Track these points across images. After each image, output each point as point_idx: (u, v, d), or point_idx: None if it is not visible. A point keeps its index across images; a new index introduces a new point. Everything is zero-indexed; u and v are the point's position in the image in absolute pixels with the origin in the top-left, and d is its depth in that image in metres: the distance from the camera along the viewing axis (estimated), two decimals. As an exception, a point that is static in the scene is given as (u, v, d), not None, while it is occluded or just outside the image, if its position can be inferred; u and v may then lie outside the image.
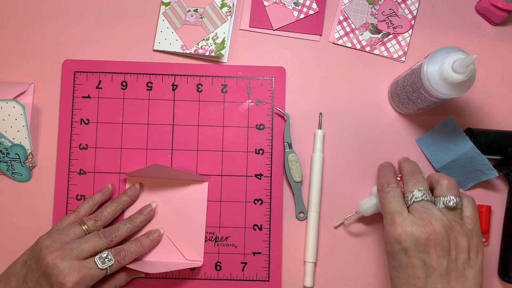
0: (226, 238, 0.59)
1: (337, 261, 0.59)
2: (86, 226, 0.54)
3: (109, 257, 0.52)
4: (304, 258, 0.59)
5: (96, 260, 0.51)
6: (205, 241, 0.59)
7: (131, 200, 0.58)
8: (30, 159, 0.60)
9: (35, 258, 0.51)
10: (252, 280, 0.59)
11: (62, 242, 0.52)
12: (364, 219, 0.60)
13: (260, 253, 0.59)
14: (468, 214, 0.48)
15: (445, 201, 0.48)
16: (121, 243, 0.56)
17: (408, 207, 0.49)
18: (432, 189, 0.51)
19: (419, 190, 0.49)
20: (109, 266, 0.52)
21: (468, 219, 0.48)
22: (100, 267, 0.51)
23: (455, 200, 0.48)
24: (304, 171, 0.60)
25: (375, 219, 0.60)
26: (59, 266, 0.49)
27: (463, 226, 0.47)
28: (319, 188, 0.59)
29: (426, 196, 0.49)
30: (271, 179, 0.60)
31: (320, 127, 0.61)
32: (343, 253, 0.60)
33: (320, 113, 0.61)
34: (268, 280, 0.59)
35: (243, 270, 0.59)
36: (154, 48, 0.62)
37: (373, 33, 0.63)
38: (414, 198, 0.49)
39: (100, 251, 0.53)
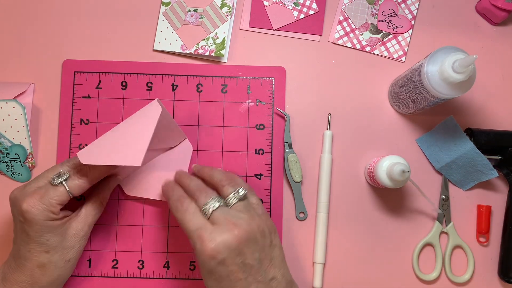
0: (226, 238, 0.59)
1: (343, 262, 0.59)
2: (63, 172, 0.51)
3: (64, 173, 0.50)
4: (313, 259, 0.59)
5: (50, 180, 0.50)
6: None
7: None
8: (30, 159, 0.60)
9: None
10: (252, 280, 0.59)
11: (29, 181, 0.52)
12: (365, 219, 0.60)
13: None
14: (254, 201, 0.51)
15: (236, 195, 0.49)
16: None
17: (209, 219, 0.47)
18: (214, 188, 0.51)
19: (213, 199, 0.48)
20: (64, 180, 0.50)
21: (256, 205, 0.50)
22: (53, 183, 0.49)
23: (242, 189, 0.49)
24: (304, 171, 0.60)
25: (376, 219, 0.60)
26: (16, 196, 0.49)
27: (258, 213, 0.49)
28: (327, 189, 0.59)
29: (221, 202, 0.48)
30: (271, 179, 0.60)
31: (328, 128, 0.61)
32: (348, 254, 0.60)
33: (329, 114, 0.61)
34: (268, 280, 0.59)
35: (243, 270, 0.59)
36: (154, 48, 0.62)
37: (373, 33, 0.63)
38: (212, 208, 0.47)
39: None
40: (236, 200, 0.49)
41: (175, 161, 0.59)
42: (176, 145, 0.59)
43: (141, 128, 0.50)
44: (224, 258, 0.45)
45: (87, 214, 0.53)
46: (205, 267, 0.46)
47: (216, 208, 0.47)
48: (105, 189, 0.56)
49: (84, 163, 0.48)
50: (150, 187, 0.58)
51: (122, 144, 0.50)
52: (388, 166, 0.54)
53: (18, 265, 0.50)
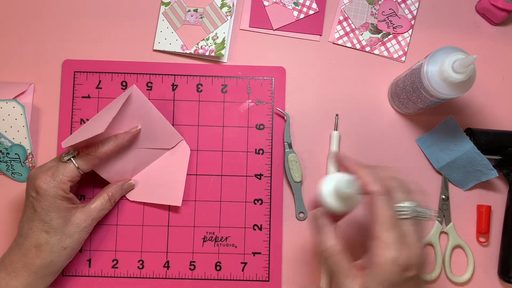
0: (226, 238, 0.59)
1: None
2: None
3: (72, 151, 0.52)
4: None
5: (61, 158, 0.52)
6: (204, 241, 0.59)
7: (130, 138, 0.55)
8: (30, 159, 0.60)
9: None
10: (252, 280, 0.59)
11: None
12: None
13: (260, 253, 0.59)
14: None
15: (411, 211, 0.41)
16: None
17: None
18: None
19: (408, 204, 0.41)
20: (73, 157, 0.52)
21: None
22: (62, 160, 0.52)
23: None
24: (304, 171, 0.60)
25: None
26: (32, 173, 0.52)
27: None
28: None
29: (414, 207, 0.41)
30: (271, 179, 0.60)
31: (336, 129, 0.61)
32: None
33: (336, 115, 0.61)
34: (268, 280, 0.59)
35: (243, 270, 0.59)
36: (154, 48, 0.62)
37: (373, 33, 0.63)
38: (410, 213, 0.41)
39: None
40: (415, 215, 0.41)
41: (173, 164, 0.59)
42: (173, 147, 0.59)
43: (113, 107, 0.54)
44: (415, 274, 0.39)
45: (93, 208, 0.54)
46: (389, 278, 0.39)
47: (410, 217, 0.41)
48: (117, 189, 0.57)
49: (64, 146, 0.52)
50: (151, 191, 0.59)
51: (96, 121, 0.55)
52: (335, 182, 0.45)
53: (17, 244, 0.52)
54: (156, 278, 0.59)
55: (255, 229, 0.59)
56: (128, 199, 0.59)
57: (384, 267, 0.39)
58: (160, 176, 0.59)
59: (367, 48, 0.63)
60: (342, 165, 0.46)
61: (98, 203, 0.55)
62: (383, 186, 0.41)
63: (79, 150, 0.52)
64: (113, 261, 0.59)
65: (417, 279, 0.40)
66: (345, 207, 0.45)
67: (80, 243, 0.54)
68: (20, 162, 0.59)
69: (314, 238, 0.44)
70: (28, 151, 0.60)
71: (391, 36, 0.63)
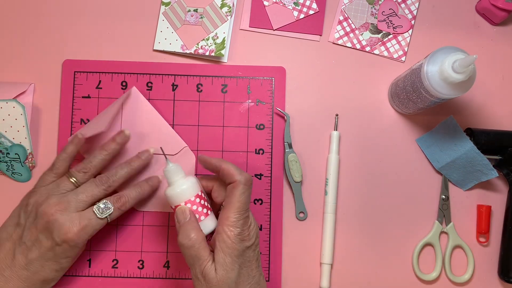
0: (226, 238, 0.59)
1: (344, 261, 0.59)
2: (74, 179, 0.53)
3: (108, 205, 0.52)
4: (320, 259, 0.59)
5: (95, 210, 0.51)
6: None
7: (120, 147, 0.56)
8: (30, 159, 0.60)
9: (31, 216, 0.51)
10: (252, 280, 0.59)
11: (57, 197, 0.51)
12: (364, 219, 0.60)
13: (260, 253, 0.59)
14: None
15: None
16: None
17: None
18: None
19: None
20: (109, 215, 0.52)
21: None
22: (100, 216, 0.51)
23: None
24: (304, 171, 0.60)
25: (375, 219, 0.60)
26: (59, 220, 0.50)
27: None
28: (335, 190, 0.59)
29: None
30: (271, 179, 0.60)
31: (336, 129, 0.61)
32: (347, 254, 0.60)
33: (336, 115, 0.61)
34: (268, 280, 0.59)
35: (243, 270, 0.59)
36: (154, 48, 0.62)
37: (373, 33, 0.63)
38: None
39: (99, 199, 0.52)
40: None
41: None
42: (176, 153, 0.59)
43: (115, 106, 0.58)
44: (253, 243, 0.49)
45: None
46: (237, 249, 0.47)
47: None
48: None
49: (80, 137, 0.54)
50: (158, 201, 0.59)
51: (98, 121, 0.58)
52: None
53: (18, 276, 0.51)
54: (156, 278, 0.59)
55: (255, 229, 0.59)
56: (137, 210, 0.59)
57: (230, 240, 0.47)
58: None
59: (367, 48, 0.63)
60: (207, 163, 0.52)
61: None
62: (245, 178, 0.49)
63: (111, 202, 0.52)
64: (113, 261, 0.59)
65: (254, 246, 0.49)
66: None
67: (75, 259, 0.55)
68: (20, 162, 0.59)
69: (177, 232, 0.50)
70: (28, 151, 0.60)
71: (391, 36, 0.63)
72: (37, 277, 0.51)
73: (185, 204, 0.49)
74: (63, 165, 0.54)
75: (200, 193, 0.51)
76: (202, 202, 0.50)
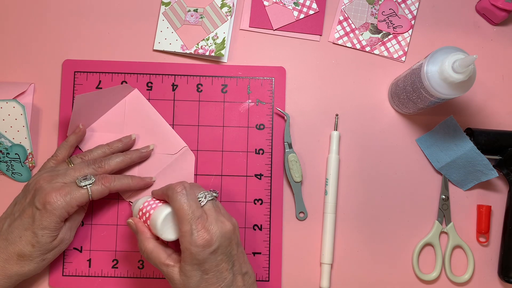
0: (226, 238, 0.59)
1: (343, 262, 0.59)
2: (72, 164, 0.55)
3: (91, 178, 0.53)
4: (320, 259, 0.59)
5: (76, 180, 0.52)
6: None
7: (123, 147, 0.58)
8: (30, 159, 0.60)
9: (26, 193, 0.53)
10: (252, 280, 0.59)
11: (50, 172, 0.54)
12: (364, 219, 0.60)
13: (260, 253, 0.59)
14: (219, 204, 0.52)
15: (209, 195, 0.50)
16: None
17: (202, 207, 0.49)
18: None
19: (204, 191, 0.50)
20: (89, 185, 0.52)
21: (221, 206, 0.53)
22: (79, 184, 0.52)
23: (213, 191, 0.52)
24: (304, 171, 0.60)
25: (375, 219, 0.60)
26: (43, 186, 0.52)
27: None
28: (335, 190, 0.59)
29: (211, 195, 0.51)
30: (271, 179, 0.60)
31: (336, 129, 0.61)
32: (347, 254, 0.60)
33: (336, 115, 0.61)
34: (268, 280, 0.59)
35: (243, 270, 0.59)
36: (154, 48, 0.62)
37: (373, 33, 0.63)
38: (208, 198, 0.50)
39: None
40: (212, 198, 0.51)
41: (179, 171, 0.59)
42: (176, 153, 0.59)
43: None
44: (218, 246, 0.47)
45: (75, 220, 0.56)
46: (197, 257, 0.47)
47: (211, 199, 0.50)
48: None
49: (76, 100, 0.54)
50: (148, 194, 0.59)
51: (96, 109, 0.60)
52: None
53: (0, 241, 0.52)
54: (156, 278, 0.59)
55: (255, 229, 0.59)
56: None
57: (188, 251, 0.47)
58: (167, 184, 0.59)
59: (367, 48, 0.63)
60: (157, 195, 0.53)
61: (77, 214, 0.55)
62: (170, 188, 0.49)
63: (96, 178, 0.53)
64: (113, 261, 0.59)
65: (222, 249, 0.48)
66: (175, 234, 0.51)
67: (59, 254, 0.55)
68: (20, 162, 0.59)
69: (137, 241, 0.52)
70: (28, 151, 0.60)
71: (391, 36, 0.63)
72: (13, 249, 0.51)
73: (138, 212, 0.53)
74: (63, 152, 0.57)
75: (149, 199, 0.53)
76: (151, 202, 0.52)
